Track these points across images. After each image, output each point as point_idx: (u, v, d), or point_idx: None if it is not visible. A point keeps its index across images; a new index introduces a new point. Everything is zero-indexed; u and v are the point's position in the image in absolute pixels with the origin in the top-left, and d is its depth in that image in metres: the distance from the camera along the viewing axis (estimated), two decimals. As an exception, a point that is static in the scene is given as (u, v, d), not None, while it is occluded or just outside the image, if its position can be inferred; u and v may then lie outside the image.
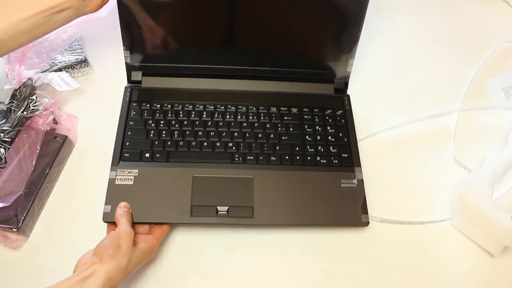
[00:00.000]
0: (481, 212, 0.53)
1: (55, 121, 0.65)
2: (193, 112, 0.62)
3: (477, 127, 0.67)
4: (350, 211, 0.56)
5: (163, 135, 0.60)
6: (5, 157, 0.59)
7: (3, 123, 0.61)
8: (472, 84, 0.72)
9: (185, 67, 0.65)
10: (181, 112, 0.62)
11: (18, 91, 0.64)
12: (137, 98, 0.64)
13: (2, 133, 0.60)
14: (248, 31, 0.61)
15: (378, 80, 0.72)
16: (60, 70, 0.70)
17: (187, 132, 0.61)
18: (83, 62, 0.71)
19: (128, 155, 0.59)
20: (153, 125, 0.61)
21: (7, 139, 0.60)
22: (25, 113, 0.62)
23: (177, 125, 0.61)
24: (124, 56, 0.63)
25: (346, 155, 0.60)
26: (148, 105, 0.63)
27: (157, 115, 0.62)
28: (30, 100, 0.64)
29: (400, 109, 0.69)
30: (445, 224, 0.59)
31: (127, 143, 0.60)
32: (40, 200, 0.58)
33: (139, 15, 0.59)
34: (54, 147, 0.61)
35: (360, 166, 0.60)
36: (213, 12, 0.59)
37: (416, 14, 0.81)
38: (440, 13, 0.81)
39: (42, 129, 0.62)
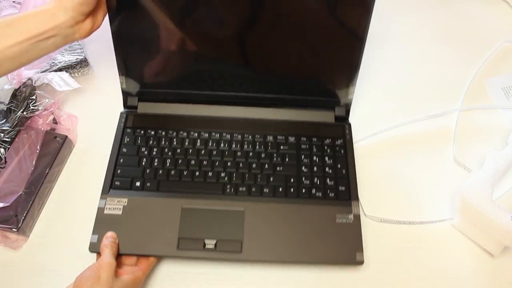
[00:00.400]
0: (481, 212, 0.53)
1: (55, 121, 0.65)
2: (187, 140, 0.61)
3: (477, 127, 0.67)
4: (344, 248, 0.53)
5: (155, 163, 0.59)
6: (5, 157, 0.59)
7: (3, 123, 0.61)
8: (472, 84, 0.72)
9: (182, 93, 0.64)
10: (174, 140, 0.61)
11: (18, 91, 0.64)
12: (132, 124, 0.63)
13: (2, 133, 0.61)
14: (246, 58, 0.60)
15: (378, 80, 0.72)
16: (60, 70, 0.70)
17: (180, 161, 0.59)
18: (83, 62, 0.71)
19: (118, 183, 0.58)
20: (146, 152, 0.60)
21: (7, 139, 0.60)
22: (25, 113, 0.62)
23: (169, 153, 0.60)
24: (120, 82, 0.62)
25: (343, 188, 0.58)
26: (142, 132, 0.62)
27: (151, 142, 0.61)
28: (30, 100, 0.64)
29: (400, 109, 0.69)
30: (445, 224, 0.59)
31: (119, 171, 0.59)
32: (40, 200, 0.58)
33: (134, 43, 0.58)
34: (54, 147, 0.61)
35: (358, 200, 0.57)
36: (210, 38, 0.58)
37: (416, 14, 0.81)
38: (440, 13, 0.81)
39: (42, 129, 0.62)
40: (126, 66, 0.61)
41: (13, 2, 0.77)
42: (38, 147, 0.60)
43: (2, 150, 0.60)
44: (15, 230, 0.54)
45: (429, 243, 0.57)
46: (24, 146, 0.60)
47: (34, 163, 0.59)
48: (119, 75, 0.61)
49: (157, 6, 0.55)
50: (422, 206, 0.60)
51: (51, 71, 0.70)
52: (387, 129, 0.66)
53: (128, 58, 0.60)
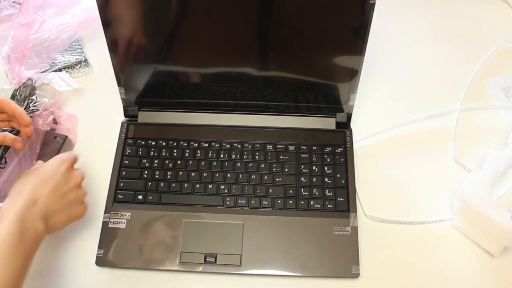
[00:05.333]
0: (481, 212, 0.53)
1: (55, 121, 0.65)
2: (187, 151, 0.61)
3: (477, 127, 0.67)
4: (341, 261, 0.54)
5: (156, 175, 0.60)
6: (5, 157, 0.59)
7: (3, 123, 0.61)
8: (472, 84, 0.72)
9: (181, 102, 0.64)
10: (175, 151, 0.61)
11: (18, 91, 0.65)
12: (133, 134, 0.63)
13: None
14: (247, 66, 0.59)
15: (378, 80, 0.72)
16: (60, 70, 0.70)
17: (180, 173, 0.60)
18: (83, 62, 0.71)
19: (122, 196, 0.58)
20: (147, 164, 0.60)
21: (7, 139, 0.60)
22: (25, 113, 0.62)
23: (170, 165, 0.60)
24: (119, 92, 0.62)
25: (342, 199, 0.58)
26: (143, 142, 0.62)
27: (152, 153, 0.61)
28: (30, 100, 0.64)
29: (400, 109, 0.69)
30: (445, 224, 0.59)
31: (121, 184, 0.59)
32: (40, 200, 0.58)
33: (131, 53, 0.58)
34: (54, 147, 0.61)
35: (356, 212, 0.57)
36: (211, 47, 0.57)
37: (416, 14, 0.81)
38: (440, 13, 0.81)
39: (42, 129, 0.62)
40: (124, 77, 0.61)
41: (13, 2, 0.77)
42: (38, 147, 0.60)
43: (2, 150, 0.60)
44: (15, 230, 0.54)
45: (429, 243, 0.57)
46: (24, 146, 0.60)
47: (34, 163, 0.59)
48: (118, 85, 0.61)
49: (154, 14, 0.54)
50: (422, 206, 0.60)
51: (51, 71, 0.70)
52: (387, 129, 0.66)
53: (126, 68, 0.60)
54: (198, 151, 0.61)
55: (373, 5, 0.51)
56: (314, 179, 0.60)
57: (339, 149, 0.62)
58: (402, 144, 0.66)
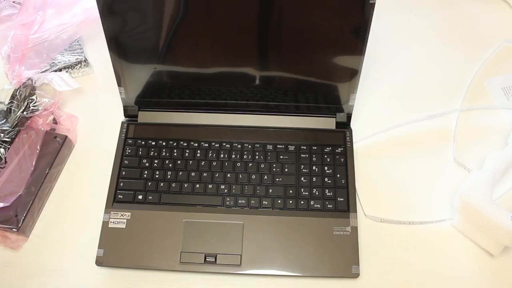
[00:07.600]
0: (481, 212, 0.53)
1: (55, 121, 0.65)
2: (187, 151, 0.61)
3: (477, 127, 0.67)
4: (341, 261, 0.54)
5: (156, 175, 0.60)
6: (5, 157, 0.59)
7: (3, 123, 0.61)
8: (472, 84, 0.72)
9: (181, 102, 0.63)
10: (175, 151, 0.61)
11: (18, 91, 0.64)
12: (133, 134, 0.63)
13: (2, 133, 0.61)
14: (247, 66, 0.59)
15: (378, 80, 0.72)
16: (60, 70, 0.71)
17: (180, 173, 0.60)
18: (83, 62, 0.71)
19: (121, 196, 0.58)
20: (147, 164, 0.60)
21: (7, 139, 0.60)
22: (25, 113, 0.62)
23: (170, 165, 0.60)
24: (119, 92, 0.62)
25: (342, 199, 0.58)
26: (143, 142, 0.62)
27: (152, 153, 0.61)
28: (30, 100, 0.64)
29: (400, 109, 0.69)
30: (445, 224, 0.59)
31: (121, 184, 0.59)
32: (40, 200, 0.58)
33: (131, 52, 0.58)
34: (54, 147, 0.61)
35: (356, 212, 0.57)
36: (211, 47, 0.57)
37: (416, 14, 0.81)
38: (440, 13, 0.81)
39: (42, 129, 0.62)
40: (124, 77, 0.61)
41: (13, 2, 0.77)
42: (38, 147, 0.60)
43: (2, 150, 0.60)
44: (15, 230, 0.55)
45: (429, 243, 0.57)
46: (24, 146, 0.60)
47: (34, 163, 0.59)
48: (118, 85, 0.61)
49: (154, 14, 0.54)
50: (422, 206, 0.60)
51: (51, 71, 0.70)
52: (387, 129, 0.66)
53: (126, 69, 0.60)
54: (198, 151, 0.61)
55: (373, 5, 0.51)
56: (314, 179, 0.60)
57: (339, 149, 0.62)
58: (402, 144, 0.66)
